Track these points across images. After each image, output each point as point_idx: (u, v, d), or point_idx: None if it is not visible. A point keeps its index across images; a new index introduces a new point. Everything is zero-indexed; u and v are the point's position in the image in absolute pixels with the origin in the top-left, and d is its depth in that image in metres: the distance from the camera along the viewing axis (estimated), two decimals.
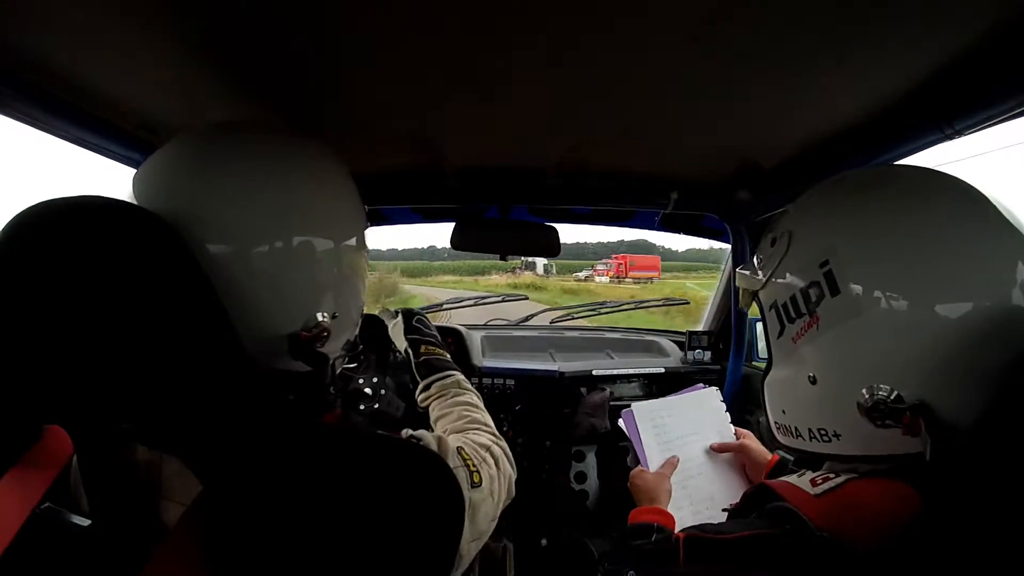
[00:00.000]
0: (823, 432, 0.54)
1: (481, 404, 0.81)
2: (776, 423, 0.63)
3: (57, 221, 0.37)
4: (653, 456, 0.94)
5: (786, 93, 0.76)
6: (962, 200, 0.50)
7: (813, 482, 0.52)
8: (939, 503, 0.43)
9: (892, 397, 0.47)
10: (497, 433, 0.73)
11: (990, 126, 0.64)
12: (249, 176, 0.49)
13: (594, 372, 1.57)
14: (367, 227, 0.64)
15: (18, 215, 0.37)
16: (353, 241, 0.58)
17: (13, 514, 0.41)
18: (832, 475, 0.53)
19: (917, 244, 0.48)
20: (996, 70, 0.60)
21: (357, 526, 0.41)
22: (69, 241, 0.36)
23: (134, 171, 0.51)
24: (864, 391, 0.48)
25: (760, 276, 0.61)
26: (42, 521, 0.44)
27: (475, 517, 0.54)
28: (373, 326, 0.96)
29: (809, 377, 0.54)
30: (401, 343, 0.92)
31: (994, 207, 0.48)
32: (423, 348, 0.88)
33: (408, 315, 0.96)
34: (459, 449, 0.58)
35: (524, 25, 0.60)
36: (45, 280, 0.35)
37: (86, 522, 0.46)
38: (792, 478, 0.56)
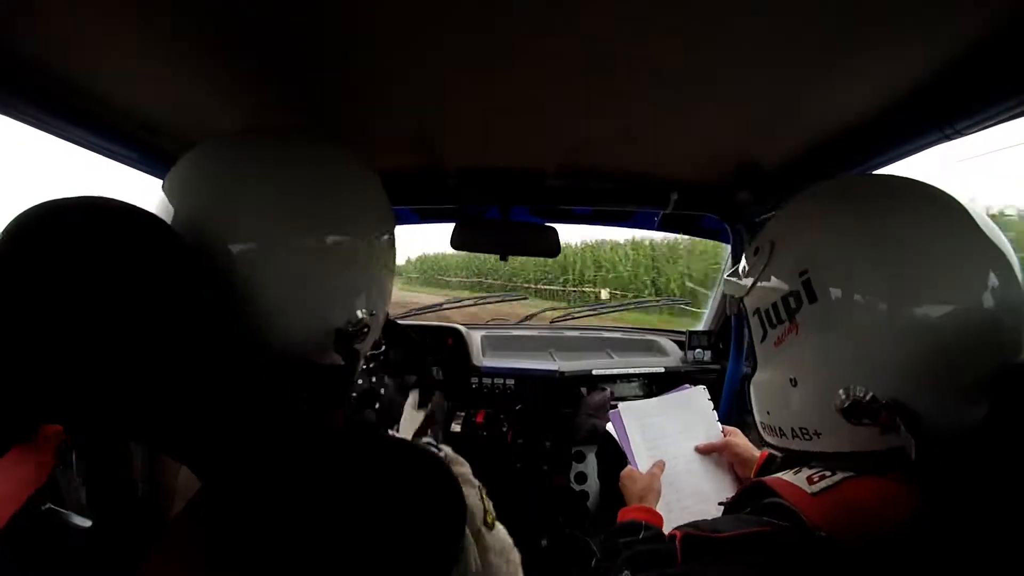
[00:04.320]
0: (804, 431, 0.56)
1: None
2: (762, 423, 0.64)
3: (59, 221, 0.37)
4: (641, 455, 0.94)
5: (786, 93, 0.76)
6: (935, 208, 0.51)
7: (810, 479, 0.52)
8: (935, 503, 0.43)
9: (868, 398, 0.48)
10: None
11: (990, 126, 0.64)
12: (286, 180, 0.51)
13: (594, 372, 1.57)
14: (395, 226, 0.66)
15: (20, 214, 0.37)
16: (386, 239, 0.61)
17: (9, 497, 0.41)
18: (828, 472, 0.53)
19: (888, 251, 0.49)
20: (996, 70, 0.60)
21: (353, 524, 0.41)
22: (70, 241, 0.36)
23: (133, 171, 0.52)
24: (841, 391, 0.49)
25: (744, 283, 0.63)
26: (43, 521, 0.44)
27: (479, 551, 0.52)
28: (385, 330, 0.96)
29: (790, 380, 0.56)
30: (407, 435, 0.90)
31: (968, 215, 0.49)
32: None
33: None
34: (480, 488, 0.57)
35: (524, 25, 0.60)
36: (45, 279, 0.35)
37: (87, 522, 0.46)
38: (788, 475, 0.56)
